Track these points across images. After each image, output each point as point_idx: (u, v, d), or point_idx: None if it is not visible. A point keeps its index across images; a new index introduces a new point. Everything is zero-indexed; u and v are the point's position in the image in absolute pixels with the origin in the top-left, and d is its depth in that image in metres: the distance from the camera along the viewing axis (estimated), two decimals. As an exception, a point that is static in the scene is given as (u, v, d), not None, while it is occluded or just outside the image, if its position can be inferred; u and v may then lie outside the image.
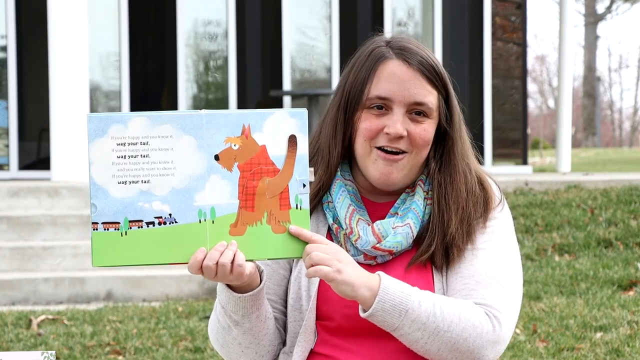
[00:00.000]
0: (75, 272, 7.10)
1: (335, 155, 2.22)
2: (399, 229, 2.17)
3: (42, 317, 6.00)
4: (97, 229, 1.98)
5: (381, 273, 2.08)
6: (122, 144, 1.97)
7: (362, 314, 2.07)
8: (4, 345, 5.49)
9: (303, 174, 2.03)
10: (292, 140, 2.01)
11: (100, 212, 1.98)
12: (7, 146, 10.87)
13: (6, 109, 10.85)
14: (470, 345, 2.08)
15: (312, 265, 2.02)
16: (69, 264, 7.23)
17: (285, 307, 2.25)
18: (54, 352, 2.14)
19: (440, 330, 2.06)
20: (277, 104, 11.54)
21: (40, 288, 6.87)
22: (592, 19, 37.38)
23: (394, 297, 2.04)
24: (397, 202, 2.23)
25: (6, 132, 10.89)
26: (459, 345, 2.07)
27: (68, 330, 5.72)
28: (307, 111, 2.03)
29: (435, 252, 2.18)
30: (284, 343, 2.25)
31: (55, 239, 7.51)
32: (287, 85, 11.56)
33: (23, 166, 10.88)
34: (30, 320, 5.91)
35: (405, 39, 2.23)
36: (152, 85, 11.73)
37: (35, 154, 11.05)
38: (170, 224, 1.99)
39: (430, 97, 2.18)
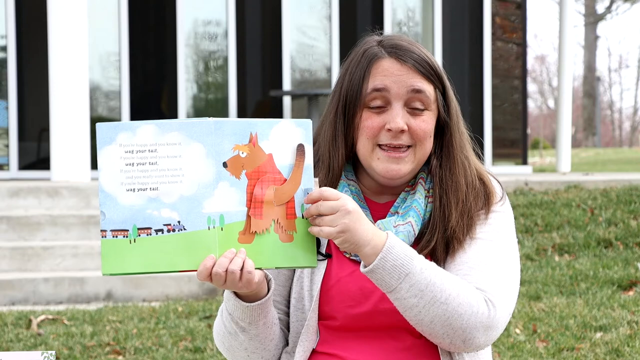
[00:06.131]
0: (75, 272, 7.10)
1: (338, 158, 2.21)
2: (401, 227, 2.17)
3: (42, 317, 6.00)
4: (105, 237, 1.97)
5: (390, 232, 2.07)
6: (130, 152, 1.97)
7: (362, 269, 2.06)
8: (4, 345, 5.49)
9: (308, 184, 2.03)
10: (301, 149, 2.01)
11: (108, 219, 1.97)
12: (7, 146, 10.87)
13: (6, 109, 10.85)
14: (463, 323, 2.06)
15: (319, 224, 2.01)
16: (69, 264, 7.23)
17: (289, 308, 2.25)
18: (54, 352, 2.14)
19: (437, 301, 2.05)
20: (277, 103, 11.54)
21: (40, 288, 6.87)
22: (592, 19, 37.37)
23: (396, 257, 2.04)
24: (397, 201, 2.23)
25: (6, 132, 10.88)
26: (452, 321, 2.06)
27: (68, 330, 5.72)
28: (311, 122, 2.03)
29: (437, 246, 2.17)
30: (287, 342, 2.26)
31: (55, 239, 7.51)
32: (287, 85, 11.56)
33: (23, 166, 10.88)
34: (30, 320, 5.91)
35: (396, 36, 2.23)
36: (152, 85, 11.72)
37: (35, 154, 11.04)
38: (179, 231, 1.98)
39: (427, 87, 2.18)
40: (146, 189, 1.98)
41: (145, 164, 1.97)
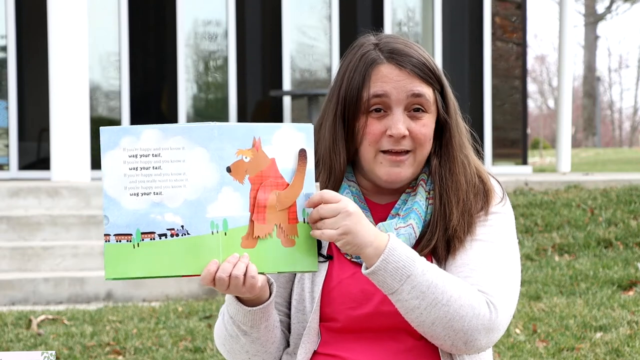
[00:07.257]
0: (75, 272, 7.10)
1: (340, 162, 2.21)
2: (402, 229, 2.17)
3: (42, 317, 6.00)
4: (109, 241, 1.96)
5: (391, 234, 2.07)
6: (134, 156, 1.96)
7: (363, 271, 2.06)
8: (4, 345, 5.49)
9: (310, 188, 2.03)
10: (302, 154, 2.01)
11: (112, 224, 1.96)
12: (7, 146, 10.87)
13: (6, 109, 10.85)
14: (465, 325, 2.06)
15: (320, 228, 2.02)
16: (69, 264, 7.23)
17: (290, 309, 2.25)
18: (54, 352, 2.14)
19: (438, 302, 2.05)
20: (277, 103, 11.54)
21: (40, 288, 6.87)
22: (592, 19, 37.38)
23: (398, 259, 2.03)
24: (398, 202, 2.23)
25: (6, 132, 10.89)
26: (453, 323, 2.06)
27: (68, 330, 5.72)
28: (312, 126, 2.03)
29: (437, 245, 2.17)
30: (287, 344, 2.26)
31: (55, 239, 7.51)
32: (287, 85, 11.56)
33: (23, 166, 10.88)
34: (30, 320, 5.91)
35: (392, 39, 2.22)
36: (152, 85, 11.73)
37: (35, 154, 11.04)
38: (182, 235, 1.97)
39: (426, 90, 2.19)
40: (150, 193, 1.97)
41: (149, 168, 1.97)
